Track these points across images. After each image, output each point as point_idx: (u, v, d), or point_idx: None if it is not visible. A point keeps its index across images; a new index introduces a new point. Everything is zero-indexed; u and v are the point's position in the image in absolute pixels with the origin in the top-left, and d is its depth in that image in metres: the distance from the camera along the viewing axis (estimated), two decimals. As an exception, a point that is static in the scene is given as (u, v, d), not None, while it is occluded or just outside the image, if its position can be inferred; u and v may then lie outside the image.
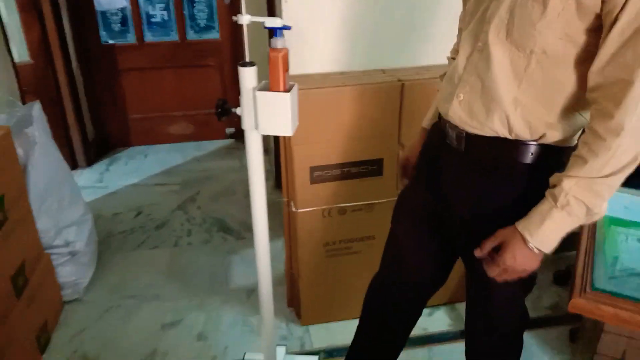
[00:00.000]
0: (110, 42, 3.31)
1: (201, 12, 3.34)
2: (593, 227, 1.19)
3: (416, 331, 1.94)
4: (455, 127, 1.10)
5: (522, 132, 1.01)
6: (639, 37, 0.83)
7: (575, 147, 0.99)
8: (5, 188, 1.71)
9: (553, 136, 1.00)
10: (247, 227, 2.64)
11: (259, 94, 1.16)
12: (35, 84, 2.87)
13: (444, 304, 2.08)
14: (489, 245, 1.04)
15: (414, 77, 1.76)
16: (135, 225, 2.66)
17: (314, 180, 1.81)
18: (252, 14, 1.13)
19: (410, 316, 1.47)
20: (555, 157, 1.02)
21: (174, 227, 2.66)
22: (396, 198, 1.60)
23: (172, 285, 2.22)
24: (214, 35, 3.41)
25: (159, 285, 2.21)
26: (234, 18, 1.13)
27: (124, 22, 3.28)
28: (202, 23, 3.38)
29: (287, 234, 1.98)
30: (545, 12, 0.90)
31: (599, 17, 0.88)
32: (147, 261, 2.38)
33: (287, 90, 1.16)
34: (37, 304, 1.85)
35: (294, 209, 1.86)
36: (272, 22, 1.11)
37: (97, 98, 3.39)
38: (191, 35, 3.39)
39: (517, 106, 0.99)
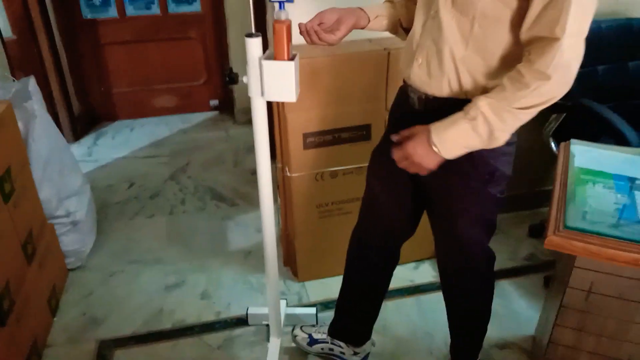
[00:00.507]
0: (92, 16, 3.31)
1: (182, -16, 3.36)
2: (565, 176, 1.34)
3: (404, 283, 2.13)
4: (416, 90, 1.24)
5: (470, 88, 1.14)
6: (557, 1, 0.98)
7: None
8: (10, 160, 1.78)
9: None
10: (239, 194, 2.75)
11: (265, 62, 1.26)
12: (19, 59, 2.88)
13: (428, 258, 2.24)
14: (404, 132, 1.19)
15: (400, 46, 1.87)
16: (129, 195, 2.74)
17: (306, 146, 1.92)
18: None
19: (388, 261, 1.61)
20: None
21: (168, 196, 2.74)
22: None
23: (172, 249, 2.33)
24: (195, 7, 3.44)
25: (160, 250, 2.32)
26: (240, -8, 1.22)
27: (104, -5, 3.28)
28: (183, -6, 3.40)
29: (282, 198, 2.10)
30: None
31: None
32: (145, 229, 2.48)
33: (291, 59, 1.26)
34: (45, 270, 1.94)
35: (288, 174, 1.97)
36: (276, -5, 1.20)
37: (81, 73, 3.41)
38: (172, 8, 3.41)
39: (465, 64, 1.13)
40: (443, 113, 1.16)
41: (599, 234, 1.12)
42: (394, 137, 1.21)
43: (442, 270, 1.51)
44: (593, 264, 1.24)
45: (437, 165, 1.15)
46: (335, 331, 1.73)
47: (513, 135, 1.16)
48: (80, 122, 3.39)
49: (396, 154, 1.19)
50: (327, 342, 1.74)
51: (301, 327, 1.81)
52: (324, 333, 1.77)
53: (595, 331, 1.34)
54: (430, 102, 1.21)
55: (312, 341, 1.77)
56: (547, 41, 1.00)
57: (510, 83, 1.04)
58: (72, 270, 2.20)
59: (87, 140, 3.35)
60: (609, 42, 2.03)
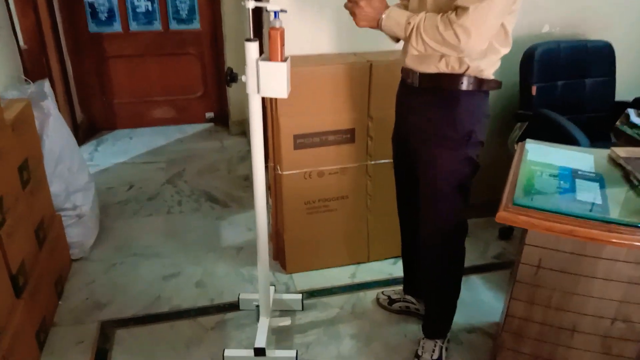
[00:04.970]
0: (98, 31, 3.53)
1: (183, 4, 3.60)
2: (518, 167, 1.55)
3: (383, 276, 2.31)
4: (411, 70, 1.54)
5: (455, 64, 1.45)
6: None
7: (493, 81, 1.47)
8: (29, 152, 1.97)
9: (475, 67, 1.43)
10: (232, 198, 2.94)
11: (262, 63, 1.47)
12: (29, 67, 3.07)
13: (407, 256, 2.43)
14: None
15: (381, 59, 2.10)
16: (129, 197, 2.92)
17: (297, 147, 2.13)
18: (236, 4, 1.45)
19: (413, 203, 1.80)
20: (479, 84, 1.47)
21: (165, 198, 2.93)
22: (366, 163, 2.21)
23: (169, 245, 2.50)
24: (195, 25, 3.68)
25: (158, 245, 2.49)
26: (242, 3, 1.44)
27: (110, 12, 3.51)
28: (184, 14, 3.64)
29: (273, 195, 2.29)
30: None
31: None
32: (144, 226, 2.65)
33: (284, 61, 1.47)
34: (53, 257, 2.11)
35: (279, 172, 2.17)
36: (272, 6, 1.42)
37: (85, 83, 3.62)
38: (174, 26, 3.65)
39: None
40: (434, 83, 1.49)
41: (540, 209, 1.33)
42: None
43: (423, 239, 1.72)
44: (540, 241, 1.44)
45: (367, 24, 1.47)
46: (406, 288, 2.06)
47: (487, 107, 1.53)
48: (82, 130, 3.58)
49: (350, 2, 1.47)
50: (402, 301, 2.06)
51: (382, 292, 2.13)
52: (399, 294, 2.07)
53: (544, 303, 1.53)
54: (423, 77, 1.51)
55: (391, 301, 2.08)
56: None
57: (440, 19, 1.35)
58: (75, 261, 2.36)
59: (88, 146, 3.54)
60: (567, 60, 2.28)
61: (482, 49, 1.36)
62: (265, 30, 2.13)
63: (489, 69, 1.47)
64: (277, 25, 1.44)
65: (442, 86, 1.48)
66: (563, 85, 2.30)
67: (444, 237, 1.68)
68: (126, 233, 2.59)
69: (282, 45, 1.46)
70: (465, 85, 1.45)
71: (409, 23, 1.39)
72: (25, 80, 2.44)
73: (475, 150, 1.55)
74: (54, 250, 2.13)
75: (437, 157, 1.55)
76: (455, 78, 1.45)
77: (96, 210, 2.52)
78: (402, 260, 2.05)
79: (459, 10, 1.31)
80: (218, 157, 3.46)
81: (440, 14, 1.35)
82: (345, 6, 1.49)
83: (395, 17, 1.42)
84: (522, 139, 2.26)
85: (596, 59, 2.32)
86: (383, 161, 2.24)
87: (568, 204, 1.35)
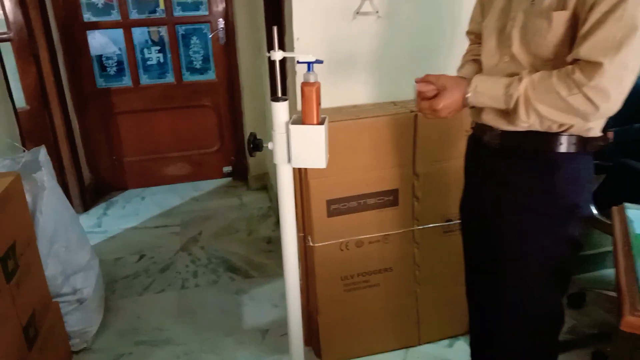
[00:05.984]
0: (106, 85, 3.30)
1: (197, 54, 3.38)
2: (626, 245, 1.20)
3: (439, 363, 1.93)
4: (489, 127, 1.21)
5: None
6: None
7: (600, 138, 1.13)
8: (16, 235, 1.67)
9: (581, 125, 1.10)
10: (254, 266, 2.60)
11: (293, 127, 1.16)
12: (31, 129, 2.84)
13: (463, 335, 2.05)
14: (441, 80, 1.20)
15: (426, 108, 1.79)
16: (138, 269, 2.60)
17: (330, 214, 1.81)
18: (253, 53, 1.16)
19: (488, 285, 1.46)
20: (583, 145, 1.13)
21: (179, 269, 2.60)
22: (412, 229, 1.86)
23: (183, 328, 2.15)
24: (209, 76, 3.44)
25: (170, 329, 2.15)
26: (267, 54, 1.14)
27: (119, 65, 3.29)
28: (198, 65, 3.40)
29: (303, 270, 1.95)
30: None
31: None
32: (155, 305, 2.31)
33: (321, 123, 1.17)
34: (47, 355, 1.78)
35: (310, 244, 1.84)
36: (305, 57, 1.13)
37: (92, 142, 3.36)
38: (187, 77, 3.41)
39: None
40: (522, 144, 1.16)
41: (684, 313, 0.97)
42: (418, 80, 1.25)
43: (504, 331, 1.36)
44: (672, 347, 1.08)
45: (455, 113, 1.21)
46: None
47: (592, 170, 1.17)
48: (90, 192, 3.31)
49: (423, 105, 1.24)
50: None
51: None
52: None
53: None
54: (507, 136, 1.18)
55: None
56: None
57: (560, 82, 1.04)
58: (76, 353, 2.03)
59: (97, 210, 3.25)
60: None
61: (619, 108, 1.03)
62: (289, 82, 1.85)
63: (598, 126, 1.13)
64: (312, 79, 1.14)
65: (533, 148, 1.15)
66: (640, 128, 1.96)
67: (532, 332, 1.32)
68: (135, 314, 2.25)
69: (318, 104, 1.16)
70: (565, 146, 1.12)
71: (511, 95, 1.08)
72: (23, 150, 2.16)
73: (579, 227, 1.19)
74: (49, 345, 1.80)
75: (528, 236, 1.20)
76: (551, 138, 1.12)
77: (100, 291, 2.19)
78: (470, 352, 1.66)
79: (586, 66, 1.00)
80: (237, 216, 3.14)
81: (556, 73, 1.04)
82: (422, 109, 1.24)
83: (486, 92, 1.14)
84: (599, 192, 1.91)
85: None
86: (432, 225, 1.91)
87: None
